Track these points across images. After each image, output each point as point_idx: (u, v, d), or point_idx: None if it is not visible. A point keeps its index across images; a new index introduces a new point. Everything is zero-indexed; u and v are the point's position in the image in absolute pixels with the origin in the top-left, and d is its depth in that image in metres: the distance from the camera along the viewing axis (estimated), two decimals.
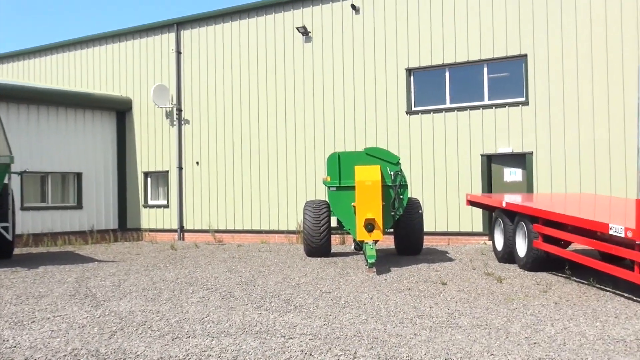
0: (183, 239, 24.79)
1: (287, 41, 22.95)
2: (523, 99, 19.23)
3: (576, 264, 12.03)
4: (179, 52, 25.14)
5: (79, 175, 24.85)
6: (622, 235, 9.93)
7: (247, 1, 23.77)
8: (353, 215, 15.03)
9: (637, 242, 9.68)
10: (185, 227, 24.87)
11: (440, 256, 16.40)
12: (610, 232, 10.30)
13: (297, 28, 22.51)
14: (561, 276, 12.48)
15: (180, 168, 24.95)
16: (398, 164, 15.45)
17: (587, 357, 6.98)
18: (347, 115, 21.71)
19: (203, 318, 9.25)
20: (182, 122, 25.02)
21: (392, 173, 15.26)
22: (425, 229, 18.46)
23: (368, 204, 14.52)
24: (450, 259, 15.73)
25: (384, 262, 15.21)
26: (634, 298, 10.19)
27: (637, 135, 9.56)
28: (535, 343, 7.59)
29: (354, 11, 21.78)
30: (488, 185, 19.64)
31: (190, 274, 14.03)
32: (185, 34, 25.12)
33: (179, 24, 25.24)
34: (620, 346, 7.42)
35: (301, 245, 20.15)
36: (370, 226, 14.41)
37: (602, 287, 11.19)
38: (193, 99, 24.82)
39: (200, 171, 24.53)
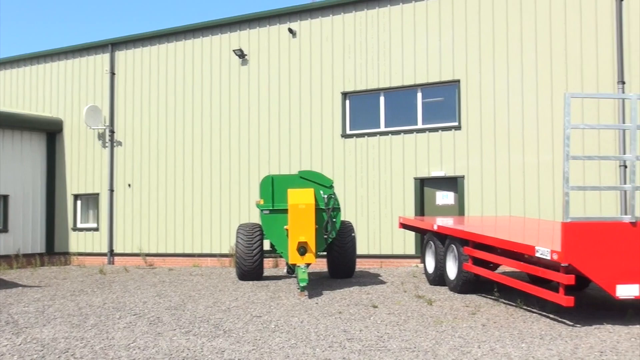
0: (113, 263, 24.27)
1: (223, 64, 22.85)
2: (456, 124, 19.51)
3: (505, 286, 12.16)
4: (112, 73, 24.78)
5: (5, 198, 24.14)
6: (548, 257, 10.08)
7: (184, 23, 23.64)
8: (286, 238, 14.93)
9: (562, 265, 9.84)
10: (115, 251, 24.36)
11: (372, 279, 16.41)
12: (537, 255, 10.46)
13: (233, 51, 22.44)
14: (490, 298, 12.60)
15: (111, 190, 24.49)
16: (331, 187, 15.45)
17: None
18: (282, 138, 21.68)
19: (129, 344, 9.01)
20: (115, 144, 24.60)
21: (325, 196, 15.24)
22: (358, 251, 18.49)
23: (301, 227, 14.45)
24: (382, 282, 15.75)
25: (316, 285, 15.14)
26: (559, 319, 10.34)
27: (564, 160, 9.76)
28: None
29: (291, 35, 21.83)
30: (421, 208, 19.81)
31: (118, 299, 13.71)
32: (120, 54, 24.80)
33: (114, 45, 24.91)
34: None
35: (234, 268, 19.93)
36: (302, 249, 14.33)
37: (529, 308, 11.32)
38: (126, 120, 24.45)
39: (132, 193, 24.11)
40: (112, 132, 24.60)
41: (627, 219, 10.03)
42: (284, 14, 22.03)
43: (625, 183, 16.62)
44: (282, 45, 21.98)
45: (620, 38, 17.50)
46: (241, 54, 22.38)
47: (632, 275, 9.83)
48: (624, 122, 16.78)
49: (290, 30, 21.78)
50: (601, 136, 17.49)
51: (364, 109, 20.93)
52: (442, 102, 19.99)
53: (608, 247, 9.81)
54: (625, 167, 16.84)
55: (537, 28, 18.55)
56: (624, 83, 17.34)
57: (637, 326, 9.68)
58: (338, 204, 15.46)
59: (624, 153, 16.57)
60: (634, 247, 9.85)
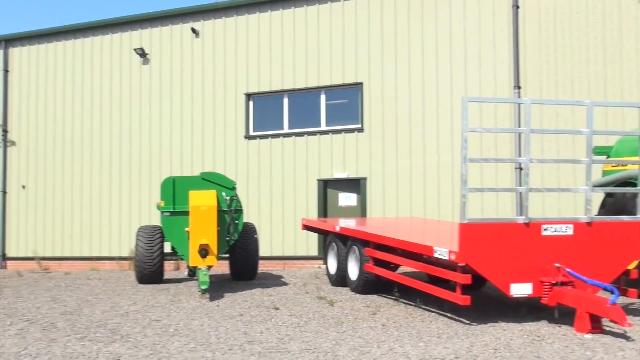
0: (5, 267, 23.33)
1: (124, 63, 22.36)
2: (358, 126, 19.70)
3: (405, 286, 12.32)
4: (6, 71, 23.85)
5: None
6: (446, 258, 10.26)
7: (83, 20, 23.02)
8: (187, 240, 14.69)
9: (459, 265, 10.03)
10: (7, 255, 23.43)
11: (274, 281, 16.35)
12: (436, 255, 10.64)
13: (134, 50, 21.98)
14: (390, 298, 12.75)
15: (3, 192, 23.55)
16: (234, 188, 15.31)
17: None
18: (185, 139, 21.38)
19: (20, 352, 8.63)
20: (8, 144, 23.68)
21: (227, 198, 15.08)
22: (261, 253, 18.40)
23: (202, 229, 14.25)
24: (285, 284, 15.72)
25: (217, 288, 14.96)
26: (456, 318, 10.54)
27: (462, 162, 9.96)
28: None
29: (194, 34, 21.56)
30: (324, 209, 19.90)
31: (10, 305, 13.15)
32: (14, 51, 23.90)
33: (7, 41, 23.99)
34: None
35: (133, 272, 19.47)
36: (204, 252, 14.14)
37: (427, 308, 11.51)
38: (21, 119, 23.58)
39: (27, 195, 23.27)
40: (5, 131, 23.68)
41: (521, 219, 10.32)
42: (187, 14, 21.74)
43: (520, 185, 17.15)
44: (185, 45, 21.68)
45: (516, 45, 18.07)
46: (142, 53, 21.95)
47: (526, 275, 10.12)
48: (519, 126, 17.32)
49: (194, 30, 21.51)
50: (498, 139, 18.01)
51: (268, 111, 20.90)
52: (345, 104, 20.17)
53: (503, 247, 10.07)
54: (521, 169, 17.38)
55: (438, 33, 18.95)
56: (519, 88, 17.91)
57: (530, 323, 9.97)
58: (240, 206, 15.34)
59: (520, 156, 17.10)
60: (527, 247, 10.14)
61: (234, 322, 10.62)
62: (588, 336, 9.03)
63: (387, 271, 12.87)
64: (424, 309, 11.48)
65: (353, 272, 14.01)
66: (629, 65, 17.23)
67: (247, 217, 19.68)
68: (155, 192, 21.06)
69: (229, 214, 15.02)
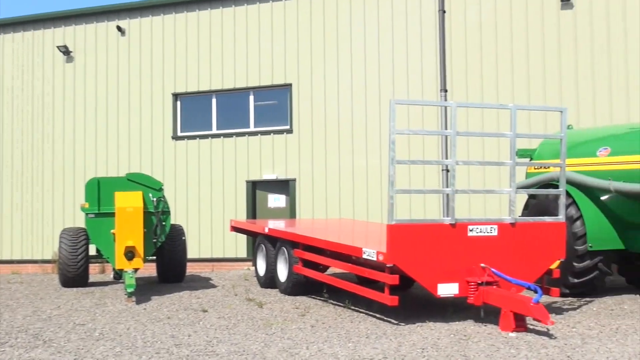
0: None
1: (46, 60, 21.79)
2: (288, 127, 19.70)
3: (334, 287, 12.36)
4: None
5: None
6: (375, 258, 10.34)
7: (2, 16, 22.31)
8: (112, 242, 14.41)
9: (387, 265, 10.11)
10: None
11: (203, 283, 16.20)
12: (364, 256, 10.70)
13: (58, 47, 21.46)
14: (320, 299, 12.77)
15: None
16: (161, 189, 15.09)
17: None
18: (110, 139, 20.98)
19: None
20: None
21: (154, 199, 14.85)
22: (190, 255, 18.20)
23: (128, 231, 14.00)
24: (214, 286, 15.58)
25: (144, 290, 14.72)
26: (385, 318, 10.63)
27: (389, 164, 10.05)
28: None
29: (120, 33, 21.17)
30: (253, 211, 19.82)
31: None
32: None
33: None
34: None
35: (57, 275, 19.00)
36: (130, 254, 13.89)
37: (356, 308, 11.57)
38: None
39: None
40: None
41: (447, 220, 10.47)
42: (112, 11, 21.34)
43: (447, 186, 17.42)
44: (111, 43, 21.28)
45: (443, 49, 18.35)
46: (66, 51, 21.46)
47: (452, 275, 10.26)
48: (446, 129, 17.60)
49: (119, 29, 21.13)
50: (426, 142, 18.26)
51: (196, 111, 20.70)
52: (274, 105, 20.13)
53: (430, 248, 10.20)
54: (447, 171, 17.65)
55: (367, 35, 19.10)
56: (446, 91, 18.21)
57: (457, 323, 10.12)
58: (168, 207, 15.13)
59: (446, 158, 17.36)
60: (453, 248, 10.29)
61: (161, 326, 10.47)
62: (513, 334, 9.22)
63: (316, 272, 12.89)
64: (353, 309, 11.54)
65: (282, 273, 13.99)
66: (551, 70, 17.70)
67: (175, 218, 19.38)
68: (79, 193, 20.54)
69: (155, 215, 14.80)
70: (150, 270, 17.79)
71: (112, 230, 14.37)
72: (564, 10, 17.67)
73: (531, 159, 14.23)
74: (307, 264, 13.03)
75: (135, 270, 13.93)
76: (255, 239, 15.96)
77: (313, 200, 19.24)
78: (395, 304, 10.10)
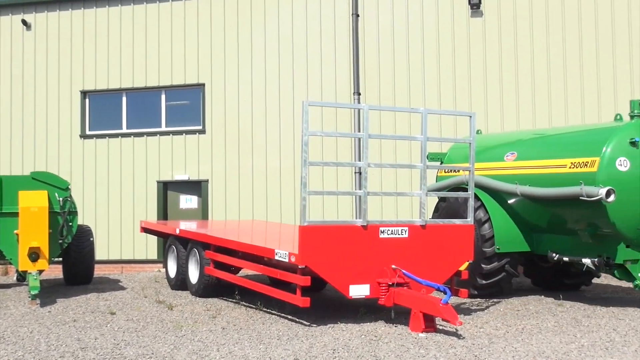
0: None
1: None
2: (200, 127, 19.47)
3: (246, 289, 12.27)
4: None
5: None
6: (287, 260, 10.31)
7: None
8: (16, 243, 13.87)
9: (299, 267, 10.10)
10: None
11: (111, 285, 15.81)
12: (276, 258, 10.66)
13: None
14: (231, 301, 12.65)
15: None
16: (67, 189, 14.65)
17: None
18: (15, 136, 20.25)
19: None
20: None
21: (60, 199, 14.40)
22: (98, 257, 17.75)
23: (33, 231, 13.51)
24: (123, 288, 15.24)
25: (49, 293, 14.24)
26: (297, 320, 10.62)
27: (302, 165, 10.05)
28: None
29: (25, 27, 20.47)
30: (164, 212, 19.50)
31: None
32: None
33: None
34: None
35: None
36: (34, 255, 13.42)
37: (269, 310, 11.51)
38: None
39: None
40: None
41: (359, 222, 10.53)
42: (17, 5, 20.59)
43: (359, 189, 17.55)
44: (15, 37, 20.54)
45: (356, 52, 18.51)
46: None
47: (364, 276, 10.33)
48: (358, 132, 17.74)
49: (25, 23, 20.42)
50: (339, 144, 18.36)
51: (105, 109, 20.24)
52: (187, 105, 19.87)
53: (342, 250, 10.23)
54: (360, 173, 17.79)
55: (280, 38, 19.07)
56: (359, 94, 18.36)
57: (368, 324, 10.20)
58: (75, 207, 14.70)
59: (359, 160, 17.50)
60: (365, 250, 10.37)
61: (67, 329, 10.16)
62: (422, 335, 9.35)
63: (228, 274, 12.77)
64: (265, 311, 11.48)
65: (193, 275, 13.79)
66: (461, 75, 18.09)
67: (83, 219, 18.84)
68: None
69: (62, 215, 14.35)
70: (56, 272, 17.27)
71: (15, 231, 13.85)
72: (474, 17, 18.10)
73: (442, 163, 14.50)
74: (219, 265, 12.89)
75: (40, 271, 13.47)
76: (166, 241, 15.70)
77: (226, 201, 19.07)
78: (307, 305, 10.09)
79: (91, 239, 16.03)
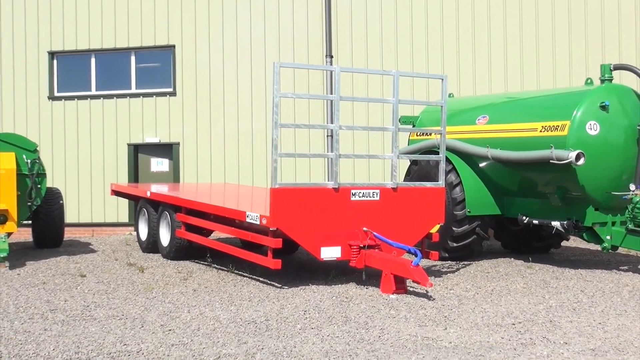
0: None
1: None
2: (171, 90, 19.27)
3: (218, 252, 12.25)
4: None
5: None
6: (258, 222, 10.29)
7: None
8: None
9: (270, 229, 10.09)
10: None
11: (82, 248, 15.70)
12: (248, 220, 10.63)
13: None
14: (203, 264, 12.63)
15: None
16: (36, 151, 14.47)
17: (219, 339, 7.07)
18: None
19: None
20: None
21: (28, 161, 14.21)
22: (68, 220, 17.62)
23: (1, 194, 13.35)
24: (93, 251, 15.14)
25: (19, 256, 14.09)
26: (268, 282, 10.64)
27: (273, 127, 9.97)
28: (170, 330, 7.50)
29: None
30: (135, 175, 19.35)
31: None
32: None
33: None
34: (250, 327, 7.63)
35: None
36: (3, 217, 13.26)
37: (240, 273, 11.52)
38: None
39: None
40: None
41: (330, 185, 10.51)
42: None
43: (331, 151, 17.51)
44: None
45: (329, 14, 18.33)
46: None
47: (335, 239, 10.35)
48: (331, 94, 17.64)
49: None
50: (311, 107, 18.26)
51: (74, 71, 19.92)
52: (157, 67, 19.62)
53: (313, 212, 10.23)
54: (331, 136, 17.74)
55: None
56: (332, 57, 18.23)
57: (339, 286, 10.24)
58: (43, 170, 14.53)
59: (331, 123, 17.43)
60: (337, 212, 10.37)
61: (36, 291, 10.09)
62: (393, 296, 9.42)
63: (199, 237, 12.74)
64: (236, 273, 11.48)
65: (165, 238, 13.73)
66: (434, 39, 18.02)
67: (52, 181, 18.63)
68: None
69: (30, 177, 14.18)
70: (25, 235, 17.08)
71: None
72: None
73: (414, 126, 14.49)
74: (190, 228, 12.84)
75: (8, 234, 13.32)
76: (137, 204, 15.60)
77: (197, 164, 18.95)
78: (279, 267, 10.10)
79: (61, 202, 15.87)
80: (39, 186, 14.38)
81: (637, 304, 8.92)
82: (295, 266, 12.20)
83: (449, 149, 12.67)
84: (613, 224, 11.68)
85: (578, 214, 11.69)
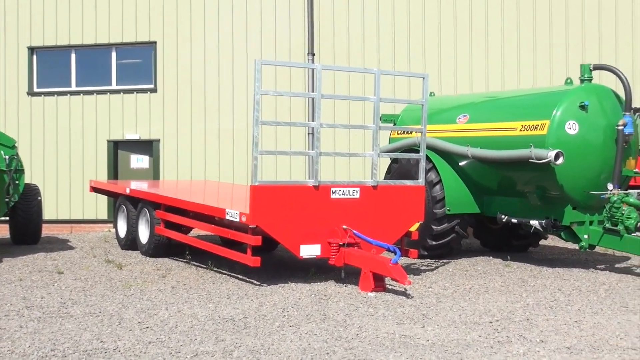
0: None
1: None
2: (152, 86, 19.18)
3: (197, 249, 12.20)
4: None
5: None
6: (238, 220, 10.26)
7: None
8: None
9: (250, 226, 10.07)
10: None
11: (60, 245, 15.59)
12: (228, 217, 10.61)
13: None
14: (182, 261, 12.57)
15: None
16: (14, 147, 14.34)
17: (196, 337, 7.03)
18: None
19: None
20: None
21: (6, 157, 14.07)
22: (47, 216, 17.53)
23: None
24: (71, 248, 15.04)
25: None
26: (247, 279, 10.61)
27: (253, 125, 9.95)
28: (147, 327, 7.45)
29: None
30: (114, 171, 19.25)
31: None
32: None
33: None
34: (228, 325, 7.60)
35: None
36: None
37: (219, 270, 11.47)
38: None
39: None
40: None
41: (311, 182, 10.51)
42: None
43: (312, 149, 17.49)
44: None
45: (311, 12, 18.31)
46: None
47: (315, 236, 10.35)
48: (312, 92, 17.62)
49: None
50: (293, 105, 18.24)
51: (54, 66, 19.77)
52: (138, 63, 19.51)
53: (293, 210, 10.22)
54: (312, 134, 17.73)
55: None
56: (313, 55, 18.23)
57: (318, 284, 10.24)
58: (22, 166, 14.41)
59: (312, 120, 17.42)
60: (316, 210, 10.36)
61: (12, 287, 10.00)
62: (372, 294, 9.43)
63: (178, 234, 12.68)
64: (215, 271, 11.44)
65: (144, 235, 13.66)
66: (415, 38, 18.06)
67: (31, 178, 18.48)
68: None
69: (8, 174, 14.05)
70: (2, 231, 16.98)
71: None
72: None
73: (394, 124, 14.50)
74: (170, 225, 12.78)
75: None
76: (117, 200, 15.52)
77: (178, 161, 18.88)
78: (258, 265, 10.08)
79: (39, 198, 15.76)
80: (17, 182, 14.26)
81: (613, 303, 8.98)
82: (274, 264, 12.19)
83: (430, 147, 12.70)
84: (591, 223, 11.76)
85: (556, 213, 11.75)
